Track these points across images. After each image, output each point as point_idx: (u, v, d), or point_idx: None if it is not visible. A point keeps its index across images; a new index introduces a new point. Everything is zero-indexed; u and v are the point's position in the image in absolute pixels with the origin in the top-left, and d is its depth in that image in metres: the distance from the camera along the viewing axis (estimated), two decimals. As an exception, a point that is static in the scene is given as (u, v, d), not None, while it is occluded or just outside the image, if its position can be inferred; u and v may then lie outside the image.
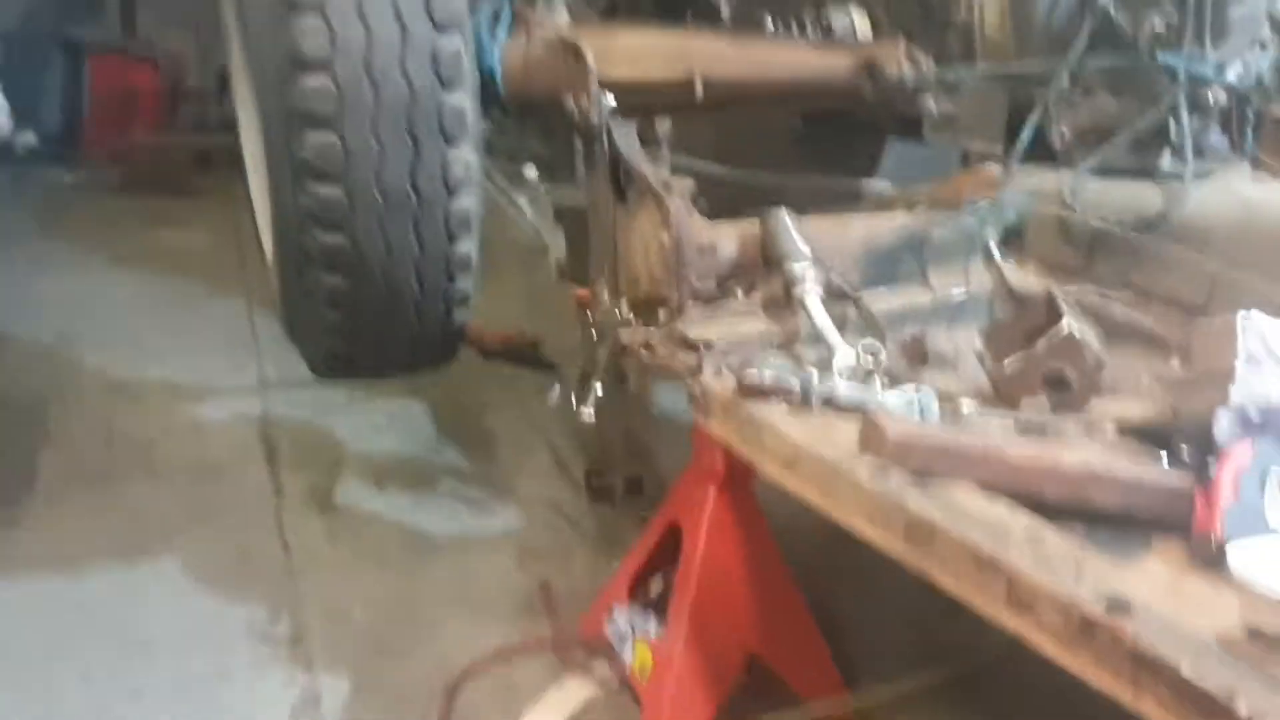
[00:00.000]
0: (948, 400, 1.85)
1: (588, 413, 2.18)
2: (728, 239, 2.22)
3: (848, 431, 1.65)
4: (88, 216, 4.74)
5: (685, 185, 2.21)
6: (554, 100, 2.38)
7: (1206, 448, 1.60)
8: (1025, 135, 2.43)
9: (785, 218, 2.18)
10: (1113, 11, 2.35)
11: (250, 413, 3.24)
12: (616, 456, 2.66)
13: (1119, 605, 1.19)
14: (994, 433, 1.74)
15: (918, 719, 2.09)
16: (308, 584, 2.51)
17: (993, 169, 2.50)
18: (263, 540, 2.66)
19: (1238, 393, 1.64)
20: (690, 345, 2.04)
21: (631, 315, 2.24)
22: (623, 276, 2.28)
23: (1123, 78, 2.42)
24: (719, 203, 2.74)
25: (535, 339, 3.65)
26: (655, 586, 2.20)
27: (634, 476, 2.65)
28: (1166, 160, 2.40)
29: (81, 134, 5.34)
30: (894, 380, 1.90)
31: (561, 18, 2.60)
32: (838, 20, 2.85)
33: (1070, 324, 1.89)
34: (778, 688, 2.06)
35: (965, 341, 2.17)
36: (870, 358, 1.90)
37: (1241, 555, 1.41)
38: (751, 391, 1.78)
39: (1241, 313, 1.73)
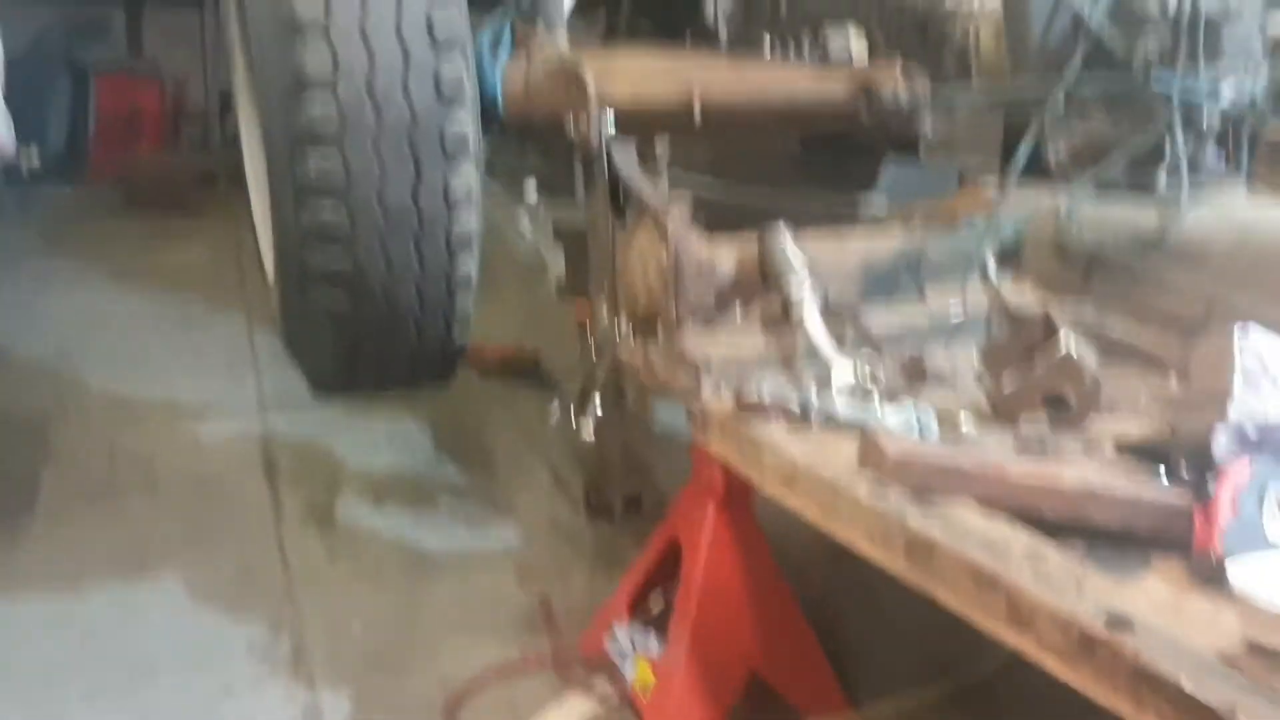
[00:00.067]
0: (946, 418, 1.86)
1: (587, 430, 2.19)
2: (726, 257, 2.24)
3: (847, 449, 1.66)
4: (91, 234, 4.76)
5: (684, 204, 2.22)
6: (554, 121, 2.41)
7: (1205, 465, 1.61)
8: (1021, 155, 2.45)
9: (783, 235, 2.20)
10: (1106, 34, 2.37)
11: (250, 430, 3.24)
12: (615, 473, 2.67)
13: (1119, 621, 1.20)
14: (993, 451, 1.75)
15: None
16: (308, 601, 2.51)
17: (989, 188, 2.53)
18: (263, 558, 2.66)
19: (1235, 411, 1.66)
20: (689, 363, 2.05)
21: (630, 332, 2.26)
22: (622, 294, 2.30)
23: (1117, 98, 2.44)
24: (717, 222, 2.76)
25: (535, 355, 3.66)
26: (655, 603, 2.20)
27: (633, 494, 2.66)
28: (1162, 180, 2.42)
29: (86, 153, 5.38)
30: (892, 398, 1.91)
31: (561, 41, 2.62)
32: (835, 43, 2.88)
33: (1068, 343, 1.91)
34: (779, 704, 2.06)
35: (963, 359, 2.19)
36: (869, 375, 1.91)
37: (1241, 571, 1.42)
38: (750, 410, 1.79)
39: (1238, 330, 1.74)
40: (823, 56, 2.87)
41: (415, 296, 2.28)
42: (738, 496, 2.00)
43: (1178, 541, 1.50)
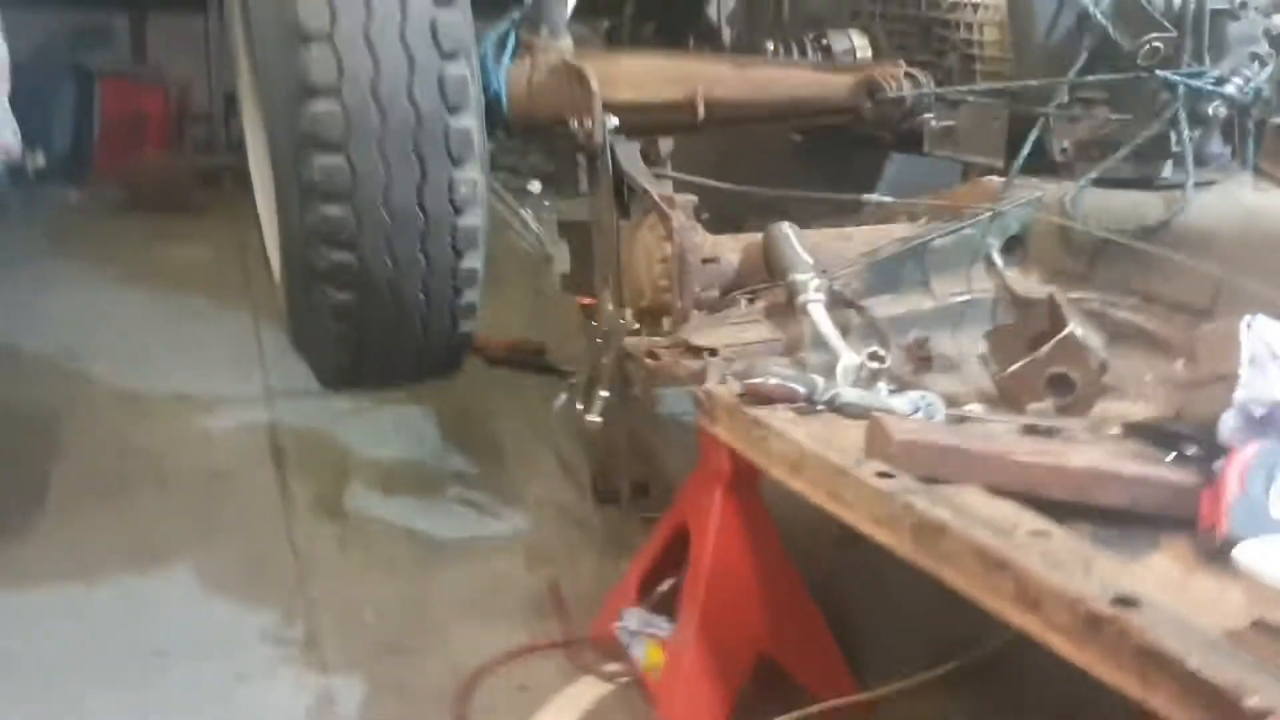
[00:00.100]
0: (953, 404, 1.88)
1: (594, 420, 2.21)
2: (731, 252, 2.25)
3: (853, 435, 1.68)
4: (96, 235, 4.79)
5: (688, 200, 2.24)
6: (558, 122, 2.43)
7: (1212, 447, 1.63)
8: (1025, 150, 2.46)
9: (788, 230, 2.21)
10: (1111, 29, 2.39)
11: (258, 422, 3.26)
12: (622, 460, 2.68)
13: (1126, 601, 1.21)
14: (1000, 434, 1.77)
15: (929, 711, 2.10)
16: (319, 589, 2.53)
17: (994, 181, 2.54)
18: (273, 547, 2.68)
19: (1242, 395, 1.67)
20: (695, 352, 2.07)
21: (636, 325, 2.28)
22: (627, 290, 2.31)
23: (1122, 94, 2.46)
24: (722, 217, 2.78)
25: (540, 345, 3.69)
26: (664, 588, 2.22)
27: (639, 480, 2.68)
28: (1168, 170, 2.43)
29: (91, 155, 5.42)
30: (898, 385, 1.92)
31: (565, 43, 2.64)
32: (837, 42, 2.90)
33: (1074, 327, 1.92)
34: (788, 685, 2.08)
35: (969, 346, 2.21)
36: (874, 362, 1.93)
37: (1248, 551, 1.44)
38: (757, 397, 1.81)
39: (1245, 317, 1.76)
40: (826, 57, 2.89)
41: (421, 295, 2.30)
42: (745, 481, 2.02)
43: (1185, 522, 1.51)
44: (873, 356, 1.93)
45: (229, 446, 3.14)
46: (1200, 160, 2.46)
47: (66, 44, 5.59)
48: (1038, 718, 2.11)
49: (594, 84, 2.43)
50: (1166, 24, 2.40)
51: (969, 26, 2.82)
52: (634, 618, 2.14)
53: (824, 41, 2.98)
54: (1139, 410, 1.91)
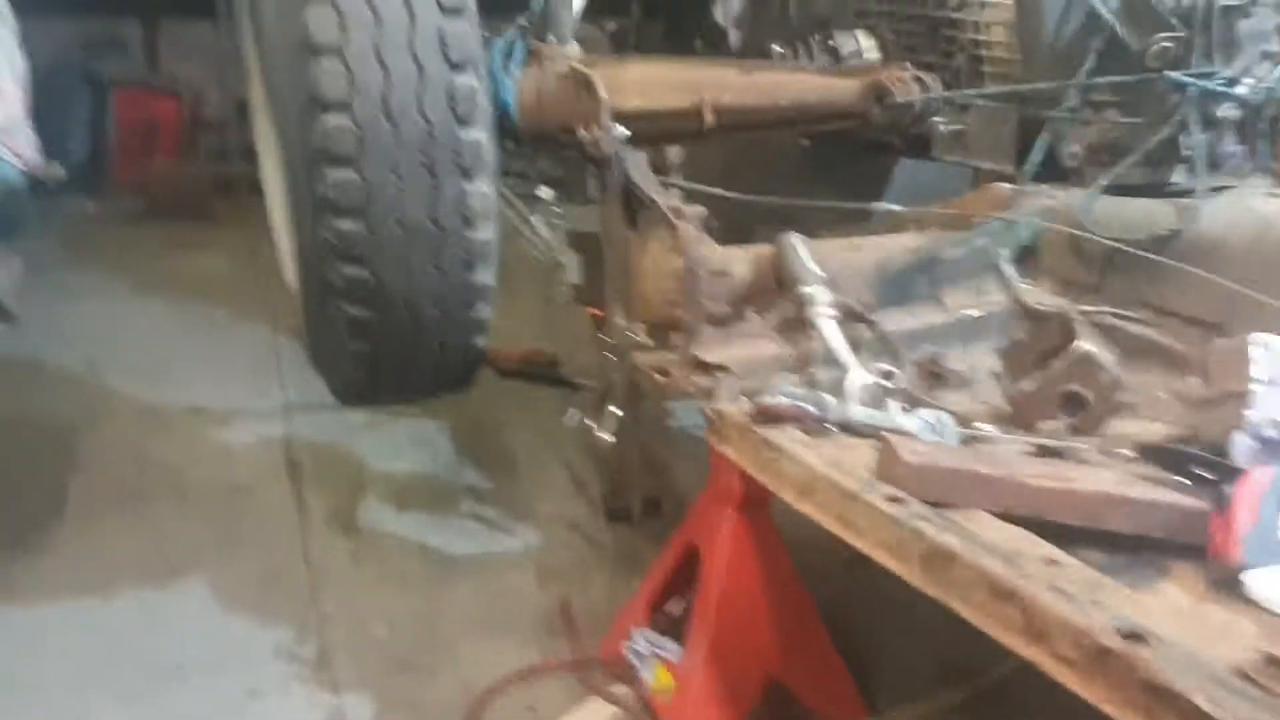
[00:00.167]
0: (965, 422, 1.87)
1: (605, 436, 2.21)
2: (740, 263, 2.24)
3: (864, 456, 1.67)
4: (112, 244, 4.81)
5: (697, 211, 2.23)
6: (567, 131, 2.42)
7: (1223, 470, 1.61)
8: (1035, 155, 2.44)
9: (797, 241, 2.20)
10: (1120, 30, 2.36)
11: (274, 435, 3.28)
12: (633, 477, 2.68)
13: (1133, 634, 1.20)
14: (1011, 456, 1.76)
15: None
16: (332, 605, 2.54)
17: (1004, 188, 2.52)
18: (288, 562, 2.70)
19: (1254, 415, 1.65)
20: (705, 369, 2.06)
21: (646, 338, 2.27)
22: (636, 301, 2.31)
23: (1132, 95, 2.43)
24: (731, 225, 2.77)
25: (552, 357, 3.69)
26: (674, 608, 2.22)
27: (651, 496, 2.68)
28: (1180, 175, 2.40)
29: (106, 164, 5.45)
30: (910, 401, 1.91)
31: (573, 50, 2.63)
32: (844, 44, 2.88)
33: (1085, 344, 1.91)
34: (797, 709, 2.07)
35: (981, 360, 2.19)
36: (886, 380, 1.92)
37: (1259, 580, 1.42)
38: (767, 417, 1.80)
39: (1255, 335, 1.74)
40: (833, 59, 2.87)
41: (435, 309, 2.30)
42: (755, 501, 2.01)
43: (1195, 548, 1.50)
44: (883, 374, 1.92)
45: (246, 460, 3.16)
46: (1215, 161, 2.43)
47: (80, 53, 5.61)
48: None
49: (601, 92, 2.42)
50: (1176, 23, 2.37)
51: (976, 26, 2.80)
52: (643, 639, 2.14)
53: (830, 43, 2.96)
54: (1152, 428, 1.89)
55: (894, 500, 1.52)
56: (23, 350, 3.60)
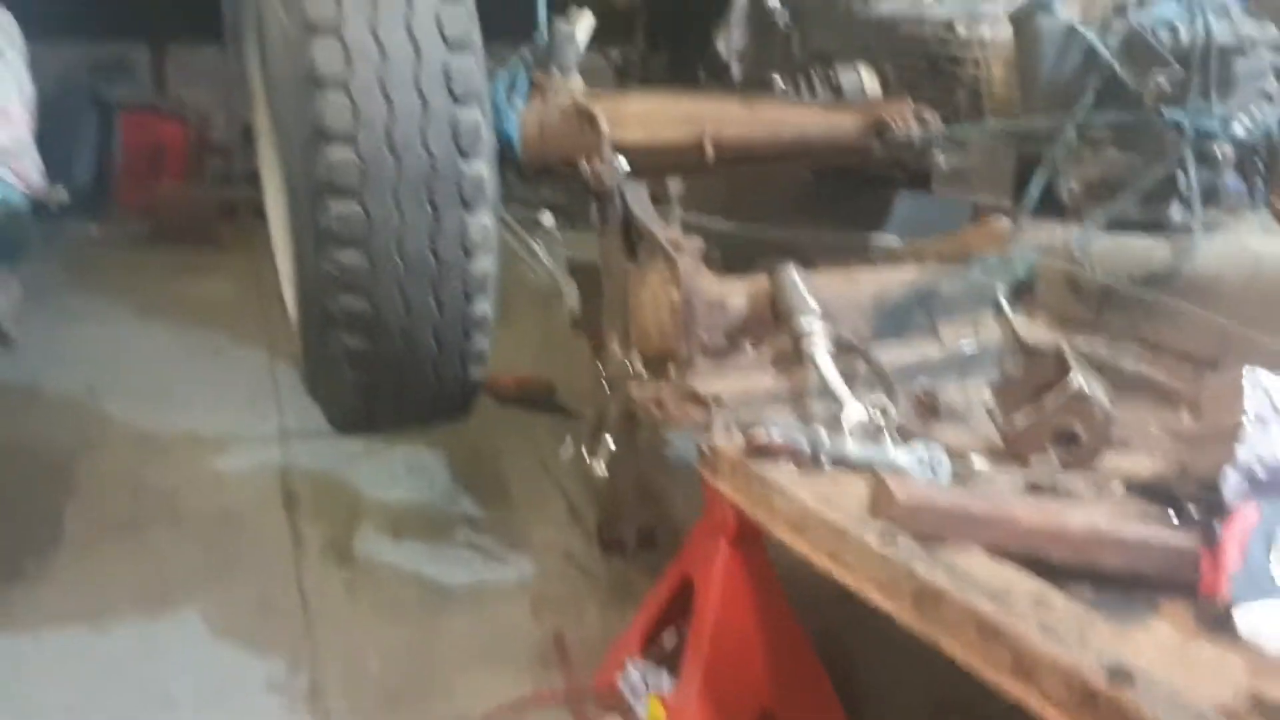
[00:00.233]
0: (959, 457, 1.87)
1: (599, 468, 2.21)
2: (737, 295, 2.25)
3: (857, 492, 1.67)
4: (116, 268, 4.83)
5: (695, 244, 2.24)
6: (569, 163, 2.44)
7: (1214, 507, 1.61)
8: (1034, 190, 2.45)
9: (793, 273, 2.21)
10: (1118, 68, 2.38)
11: (271, 462, 3.29)
12: (628, 508, 2.68)
13: (1121, 674, 1.20)
14: (1003, 491, 1.76)
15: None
16: (326, 636, 2.54)
17: (1002, 223, 2.53)
18: (282, 591, 2.70)
19: (1245, 451, 1.65)
20: (700, 401, 2.07)
21: (643, 369, 2.28)
22: (634, 332, 2.32)
23: (1130, 132, 2.44)
24: (732, 257, 2.78)
25: (550, 384, 3.69)
26: (668, 640, 2.21)
27: (646, 528, 2.67)
28: (1176, 211, 2.42)
29: (112, 188, 5.48)
30: (905, 435, 1.92)
31: (576, 83, 2.66)
32: (846, 79, 2.90)
33: (1079, 380, 1.91)
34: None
35: (976, 394, 2.19)
36: (881, 413, 1.92)
37: (1248, 618, 1.42)
38: (760, 451, 1.80)
39: (1247, 371, 1.74)
40: (834, 93, 2.89)
41: (433, 339, 2.32)
42: (749, 534, 2.01)
43: (1186, 585, 1.50)
44: (879, 408, 1.93)
45: (242, 487, 3.16)
46: (1214, 196, 2.44)
47: (87, 76, 5.66)
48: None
49: (603, 126, 2.44)
50: (1174, 62, 2.39)
51: (977, 63, 2.82)
52: (636, 671, 2.13)
53: (832, 77, 2.98)
54: (1145, 463, 1.89)
55: (885, 538, 1.52)
56: (22, 375, 3.62)
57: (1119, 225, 2.40)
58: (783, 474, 1.75)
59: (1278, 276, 2.20)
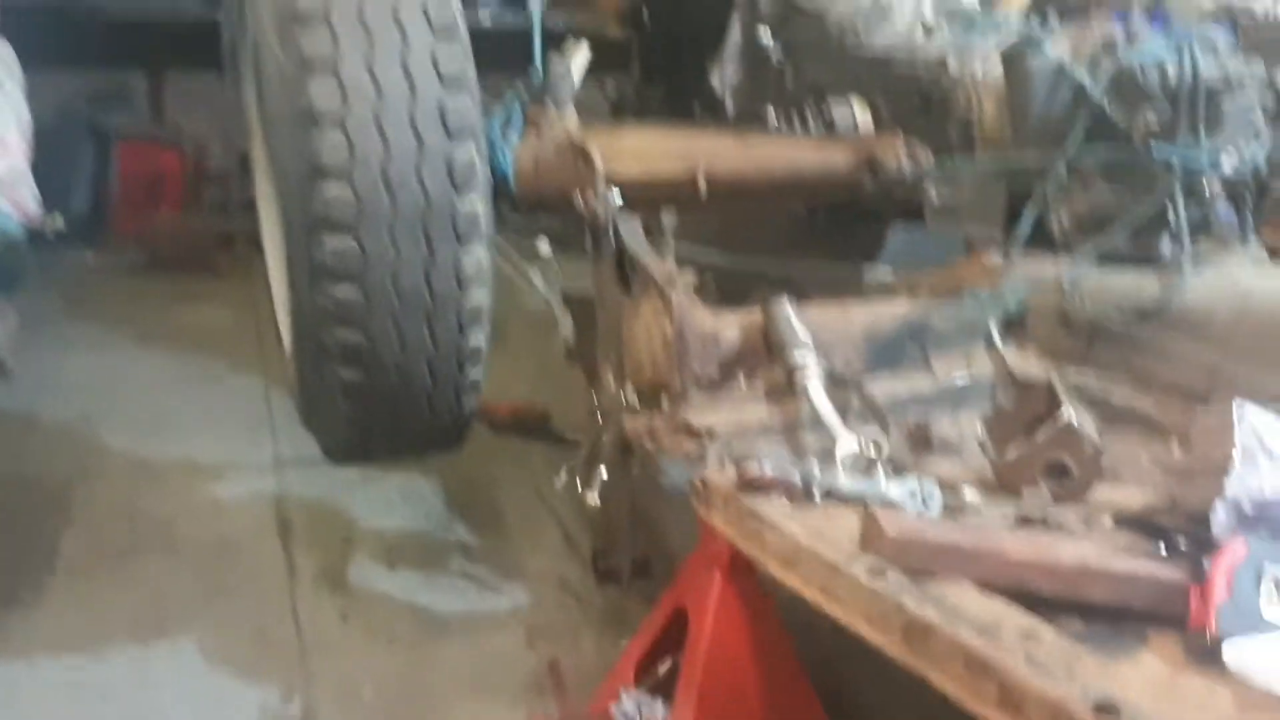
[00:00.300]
0: (951, 489, 1.89)
1: (592, 498, 2.22)
2: (730, 328, 2.27)
3: (848, 526, 1.69)
4: (112, 296, 4.84)
5: (688, 277, 2.27)
6: (564, 197, 2.47)
7: (1203, 540, 1.63)
8: (1024, 225, 2.48)
9: (786, 307, 2.24)
10: (1107, 106, 2.42)
11: (266, 490, 3.29)
12: (622, 538, 2.69)
13: (1108, 708, 1.21)
14: (994, 525, 1.77)
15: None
16: (319, 664, 2.54)
17: (993, 257, 2.56)
18: (276, 619, 2.70)
19: (1233, 487, 1.68)
20: (693, 433, 2.08)
21: (636, 400, 2.30)
22: (627, 364, 2.34)
23: (1120, 168, 2.48)
24: (725, 288, 2.80)
25: (545, 412, 3.70)
26: (662, 670, 2.22)
27: (641, 558, 2.68)
28: (1166, 246, 2.45)
29: (108, 216, 5.50)
30: (898, 468, 1.93)
31: (570, 119, 2.69)
32: (839, 113, 2.94)
33: (1069, 414, 1.94)
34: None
35: (969, 426, 2.21)
36: (873, 446, 1.94)
37: (1236, 652, 1.44)
38: (752, 484, 1.82)
39: (1236, 406, 1.76)
40: (827, 127, 2.93)
41: (427, 371, 2.34)
42: (743, 564, 2.02)
43: (1174, 618, 1.51)
44: (870, 442, 1.94)
45: (237, 515, 3.16)
46: (1205, 228, 2.48)
47: (85, 105, 5.69)
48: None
49: (597, 161, 2.48)
50: (1162, 99, 2.43)
51: (968, 99, 2.86)
52: (631, 700, 2.13)
53: (825, 112, 3.02)
54: (1134, 496, 1.91)
55: (876, 573, 1.53)
56: (19, 403, 3.62)
57: (1109, 260, 2.43)
58: (774, 508, 1.77)
59: (1266, 311, 2.23)
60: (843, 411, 2.08)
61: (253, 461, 3.44)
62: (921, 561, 1.57)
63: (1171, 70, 2.43)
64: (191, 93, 5.79)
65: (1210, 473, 1.73)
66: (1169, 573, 1.57)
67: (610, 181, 2.43)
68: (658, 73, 3.92)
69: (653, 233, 2.53)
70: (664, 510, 2.84)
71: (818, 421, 2.04)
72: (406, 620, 2.72)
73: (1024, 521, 1.82)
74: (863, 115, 2.95)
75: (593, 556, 2.84)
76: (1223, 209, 2.52)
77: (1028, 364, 2.35)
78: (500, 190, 2.57)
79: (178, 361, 4.17)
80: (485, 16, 5.44)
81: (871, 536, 1.61)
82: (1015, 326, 2.43)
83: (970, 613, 1.44)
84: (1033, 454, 1.93)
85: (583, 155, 2.48)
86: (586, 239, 2.56)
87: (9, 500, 3.12)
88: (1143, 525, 1.74)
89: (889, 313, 2.44)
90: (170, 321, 4.56)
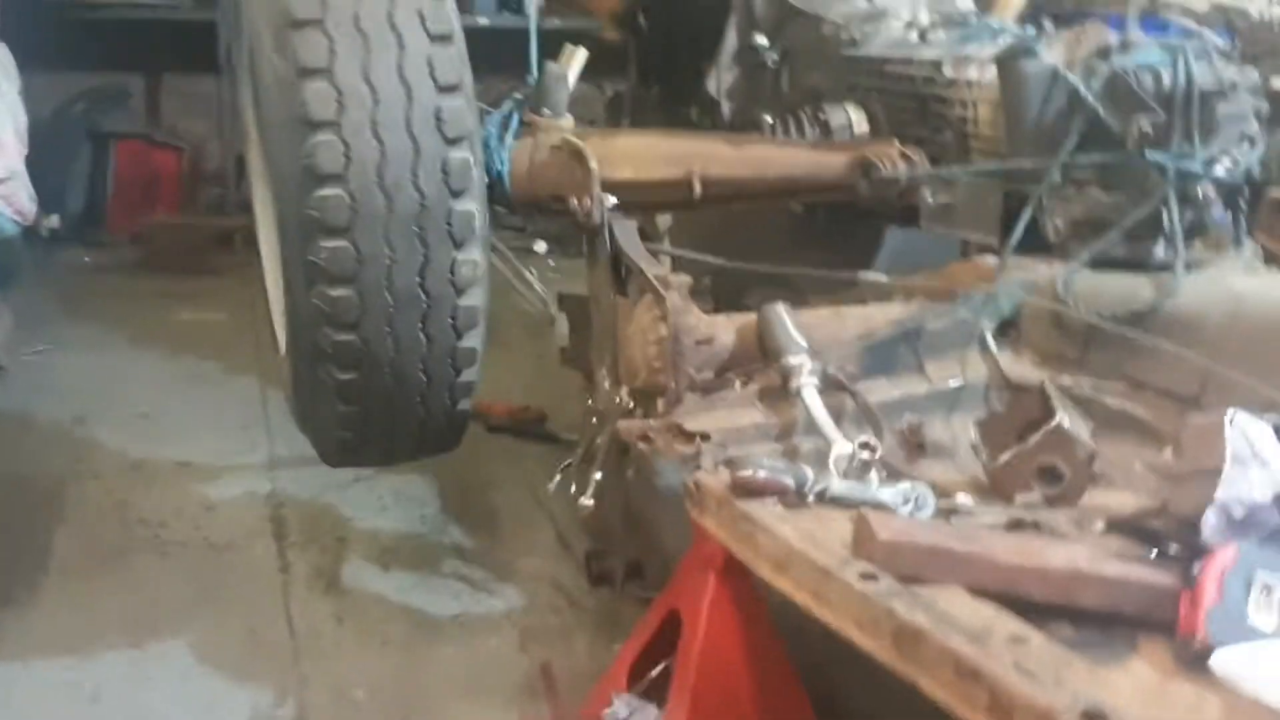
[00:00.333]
0: (944, 493, 1.89)
1: (586, 503, 2.22)
2: (725, 331, 2.28)
3: (841, 530, 1.69)
4: (109, 297, 4.85)
5: (683, 281, 2.27)
6: (559, 199, 2.48)
7: (1194, 546, 1.63)
8: (1018, 229, 2.48)
9: (781, 311, 2.24)
10: (1101, 112, 2.42)
11: (260, 490, 3.30)
12: (616, 541, 2.69)
13: (1095, 715, 1.21)
14: (986, 530, 1.77)
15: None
16: (313, 666, 2.54)
17: (988, 261, 2.56)
18: (270, 621, 2.71)
19: (1224, 493, 1.68)
20: (687, 437, 2.08)
21: (631, 404, 2.30)
22: (622, 367, 2.34)
23: (1114, 172, 2.48)
24: (721, 288, 2.80)
25: (541, 412, 3.71)
26: (655, 673, 2.22)
27: (634, 561, 2.68)
28: (1160, 250, 2.45)
29: (104, 216, 5.52)
30: (891, 472, 1.94)
31: (566, 122, 2.70)
32: (834, 117, 2.94)
33: (1062, 418, 1.94)
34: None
35: (963, 429, 2.22)
36: (866, 452, 1.94)
37: (1226, 659, 1.44)
38: (745, 489, 1.82)
39: (1228, 413, 1.76)
40: (823, 131, 2.93)
41: (423, 374, 2.34)
42: (737, 567, 2.01)
43: (1165, 623, 1.51)
44: (864, 446, 1.95)
45: (231, 516, 3.17)
46: (1200, 230, 2.48)
47: (82, 106, 5.71)
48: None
49: (592, 163, 2.48)
50: (1156, 105, 2.43)
51: (964, 104, 2.86)
52: (623, 703, 2.13)
53: (821, 116, 3.03)
54: (1128, 500, 1.91)
55: (867, 577, 1.53)
56: (13, 402, 3.63)
57: (1103, 264, 2.43)
58: (767, 512, 1.76)
59: (1258, 315, 2.23)
60: (837, 415, 2.08)
61: (247, 462, 3.45)
62: (913, 566, 1.57)
63: (1166, 76, 2.43)
64: (188, 93, 5.81)
65: (1201, 479, 1.73)
66: (1160, 577, 1.57)
67: (605, 184, 2.43)
68: (654, 76, 3.91)
69: (648, 236, 2.53)
70: (658, 513, 2.84)
71: (812, 425, 2.04)
72: (400, 622, 2.72)
73: (1017, 525, 1.82)
74: (858, 120, 2.95)
75: (586, 559, 2.85)
76: (1217, 214, 2.52)
77: (1021, 368, 2.35)
78: (496, 193, 2.57)
79: (173, 361, 4.18)
80: (482, 18, 5.47)
81: (863, 541, 1.61)
82: (1009, 330, 2.43)
83: (961, 618, 1.44)
84: (1026, 458, 1.93)
85: (578, 158, 2.49)
86: (582, 241, 2.56)
87: (2, 500, 3.12)
88: (1135, 529, 1.74)
89: (883, 316, 2.44)
90: (166, 321, 4.57)
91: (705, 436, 2.07)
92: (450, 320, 2.30)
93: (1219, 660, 1.43)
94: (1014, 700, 1.26)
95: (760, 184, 2.73)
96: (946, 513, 1.84)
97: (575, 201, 2.41)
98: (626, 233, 2.41)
